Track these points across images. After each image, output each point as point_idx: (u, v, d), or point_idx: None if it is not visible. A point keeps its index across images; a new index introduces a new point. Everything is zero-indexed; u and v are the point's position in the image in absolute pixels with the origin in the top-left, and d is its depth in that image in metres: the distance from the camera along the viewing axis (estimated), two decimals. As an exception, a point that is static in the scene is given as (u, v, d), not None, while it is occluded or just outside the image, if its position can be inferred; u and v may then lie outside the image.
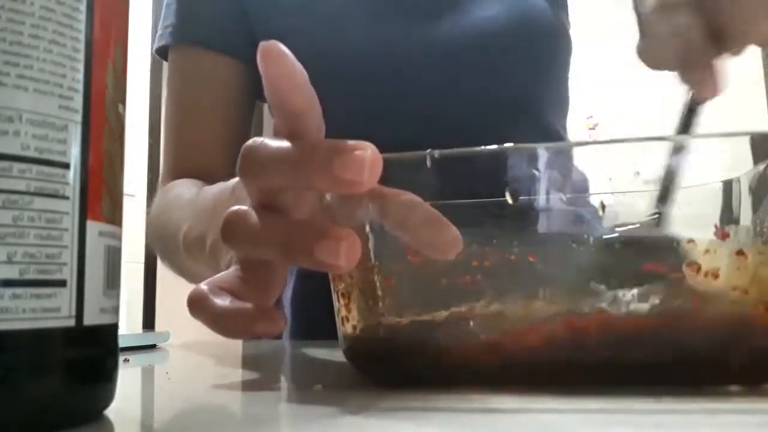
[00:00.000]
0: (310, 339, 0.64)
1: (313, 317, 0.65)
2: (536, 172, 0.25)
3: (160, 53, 0.70)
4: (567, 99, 0.73)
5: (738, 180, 0.25)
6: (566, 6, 0.74)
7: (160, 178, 0.69)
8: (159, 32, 0.69)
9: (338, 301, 0.29)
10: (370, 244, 0.27)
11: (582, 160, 0.26)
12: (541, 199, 0.26)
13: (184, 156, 0.67)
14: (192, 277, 0.58)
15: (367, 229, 0.27)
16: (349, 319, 0.28)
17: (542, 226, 0.26)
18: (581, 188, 0.26)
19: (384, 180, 0.26)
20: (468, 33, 0.64)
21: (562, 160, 0.26)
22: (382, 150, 0.24)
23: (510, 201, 0.26)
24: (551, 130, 0.69)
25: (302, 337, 0.68)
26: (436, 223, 0.25)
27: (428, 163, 0.26)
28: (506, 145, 0.26)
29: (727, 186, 0.25)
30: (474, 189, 0.26)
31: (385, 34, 0.65)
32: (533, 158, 0.25)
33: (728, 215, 0.25)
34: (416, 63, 0.64)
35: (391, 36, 0.64)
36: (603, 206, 0.26)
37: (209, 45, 0.66)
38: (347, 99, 0.61)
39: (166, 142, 0.69)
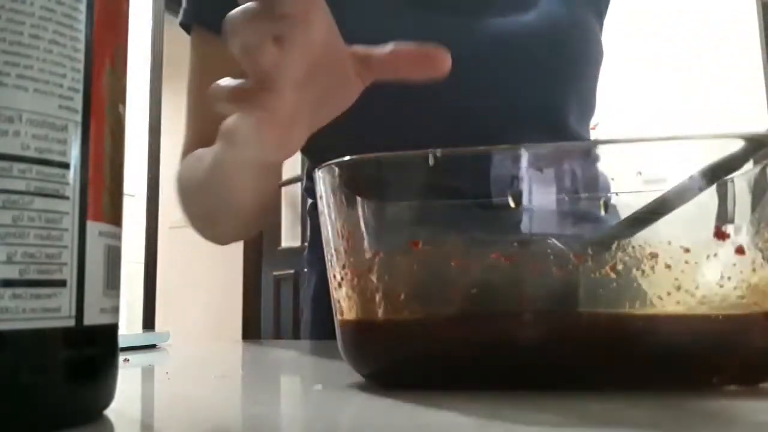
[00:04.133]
0: (331, 338, 0.64)
1: (329, 316, 0.66)
2: (539, 173, 0.25)
3: (185, 28, 0.71)
4: (594, 106, 0.71)
5: (733, 180, 0.25)
6: (603, 13, 0.73)
7: (182, 150, 0.71)
8: (183, 6, 0.70)
9: (336, 302, 0.29)
10: (367, 244, 0.27)
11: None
12: (540, 199, 0.26)
13: (199, 138, 0.68)
14: (224, 200, 0.59)
15: (363, 228, 0.27)
16: (347, 320, 0.28)
17: (543, 226, 0.26)
18: (604, 189, 0.26)
19: (384, 179, 0.26)
20: (502, 36, 0.64)
21: (586, 161, 0.26)
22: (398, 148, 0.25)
23: (512, 204, 0.26)
24: (576, 137, 0.68)
25: (322, 336, 0.68)
26: (419, 53, 0.29)
27: (431, 162, 0.26)
28: (506, 145, 0.26)
29: (723, 186, 0.25)
30: (476, 188, 0.26)
31: (412, 32, 0.64)
32: (539, 158, 0.25)
33: (725, 216, 0.25)
34: None
35: (418, 34, 0.64)
36: (606, 206, 0.26)
37: (216, 30, 0.66)
38: (371, 94, 0.61)
39: (186, 120, 0.71)
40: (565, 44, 0.65)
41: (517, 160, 0.26)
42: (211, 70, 0.67)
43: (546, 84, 0.65)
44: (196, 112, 0.70)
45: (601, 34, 0.71)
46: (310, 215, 0.75)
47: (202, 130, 0.68)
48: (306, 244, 0.80)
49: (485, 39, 0.63)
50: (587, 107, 0.70)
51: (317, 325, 0.70)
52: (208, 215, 0.66)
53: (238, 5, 0.35)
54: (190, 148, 0.68)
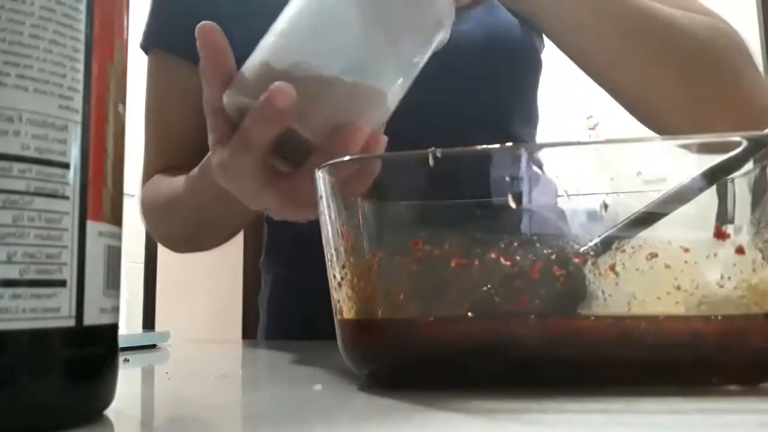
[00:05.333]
0: (285, 338, 0.68)
1: (287, 318, 0.71)
2: (538, 171, 0.25)
3: (144, 50, 0.71)
4: (537, 114, 0.73)
5: (733, 180, 0.25)
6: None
7: (142, 173, 0.71)
8: (143, 29, 0.70)
9: (336, 302, 0.29)
10: (367, 244, 0.27)
11: (582, 160, 0.26)
12: (545, 200, 0.26)
13: (160, 155, 0.70)
14: (191, 216, 0.61)
15: (363, 228, 0.27)
16: (347, 320, 0.28)
17: (546, 226, 0.26)
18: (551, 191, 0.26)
19: (384, 178, 0.26)
20: (446, 43, 0.65)
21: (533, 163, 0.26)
22: None
23: (513, 204, 0.26)
24: (520, 141, 0.69)
25: (277, 336, 0.72)
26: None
27: (431, 161, 0.26)
28: (506, 144, 0.26)
29: (723, 186, 0.25)
30: (473, 188, 0.26)
31: None
32: (535, 159, 0.25)
33: (724, 216, 0.25)
34: None
35: None
36: (605, 206, 0.26)
37: (178, 53, 0.67)
38: None
39: (146, 142, 0.71)
40: (502, 54, 0.67)
41: (515, 159, 0.26)
42: (171, 92, 0.69)
43: (488, 90, 0.66)
44: (157, 134, 0.71)
45: (542, 47, 0.73)
46: (267, 221, 0.76)
47: (164, 151, 0.70)
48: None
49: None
50: (530, 113, 0.72)
51: (272, 328, 0.72)
52: (182, 235, 0.68)
53: (197, 29, 0.37)
54: (152, 169, 0.70)
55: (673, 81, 0.51)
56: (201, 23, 0.38)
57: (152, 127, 0.71)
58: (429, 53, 0.39)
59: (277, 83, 0.34)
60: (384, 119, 0.39)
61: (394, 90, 0.38)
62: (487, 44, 0.65)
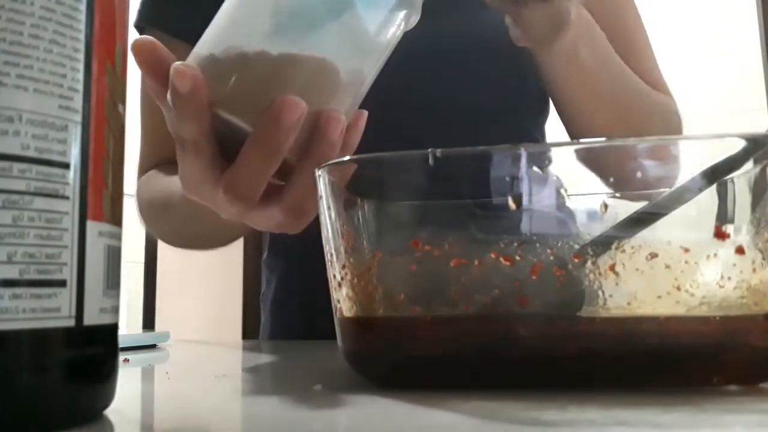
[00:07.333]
0: (287, 339, 0.69)
1: (289, 319, 0.71)
2: (538, 172, 0.25)
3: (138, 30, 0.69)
4: (548, 107, 0.73)
5: (733, 180, 0.25)
6: None
7: (138, 166, 0.70)
8: (138, 7, 0.68)
9: (336, 302, 0.29)
10: (367, 244, 0.27)
11: (584, 160, 0.26)
12: (546, 200, 0.26)
13: (155, 147, 0.68)
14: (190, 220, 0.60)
15: (363, 228, 0.27)
16: (347, 320, 0.28)
17: (546, 226, 0.26)
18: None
19: (383, 177, 0.26)
20: (458, 35, 0.64)
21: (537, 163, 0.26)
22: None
23: (513, 206, 0.26)
24: (529, 137, 0.69)
25: (280, 337, 0.72)
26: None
27: (431, 161, 0.26)
28: (507, 145, 0.26)
29: (723, 186, 0.25)
30: (473, 188, 0.26)
31: None
32: (535, 158, 0.25)
33: (724, 216, 0.25)
34: (403, 59, 0.63)
35: None
36: (605, 206, 0.26)
37: (175, 33, 0.63)
38: None
39: (142, 128, 0.69)
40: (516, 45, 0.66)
41: (516, 160, 0.26)
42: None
43: (504, 83, 0.66)
44: (153, 123, 0.68)
45: None
46: None
47: (161, 143, 0.67)
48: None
49: (447, 37, 0.64)
50: (541, 108, 0.72)
51: (276, 329, 0.72)
52: (178, 238, 0.67)
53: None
54: (148, 161, 0.68)
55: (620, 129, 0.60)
56: (135, 39, 0.33)
57: (148, 115, 0.68)
58: (391, 23, 0.35)
59: (174, 64, 0.31)
60: (343, 95, 0.34)
61: (351, 64, 0.33)
62: (501, 34, 0.65)
